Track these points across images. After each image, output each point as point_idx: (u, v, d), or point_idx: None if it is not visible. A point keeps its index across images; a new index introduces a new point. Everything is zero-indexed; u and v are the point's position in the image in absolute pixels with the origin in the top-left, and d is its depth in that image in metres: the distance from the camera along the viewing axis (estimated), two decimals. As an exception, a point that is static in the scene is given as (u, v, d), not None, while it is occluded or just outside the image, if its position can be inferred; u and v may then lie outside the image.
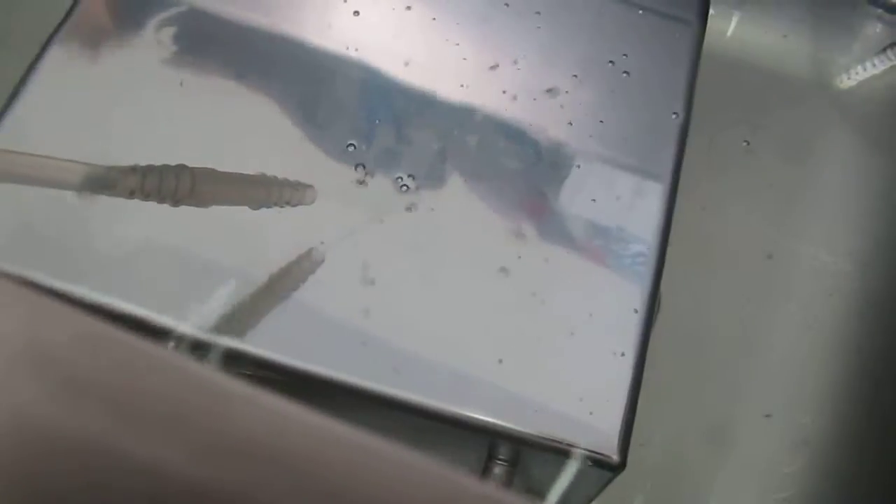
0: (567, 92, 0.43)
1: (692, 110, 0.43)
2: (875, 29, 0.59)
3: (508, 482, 0.38)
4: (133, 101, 0.41)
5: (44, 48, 0.41)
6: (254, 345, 0.36)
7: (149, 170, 0.31)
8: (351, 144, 0.40)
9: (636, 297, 0.38)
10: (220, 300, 0.36)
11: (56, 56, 0.41)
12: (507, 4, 0.45)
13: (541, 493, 0.40)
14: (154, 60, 0.41)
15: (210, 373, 0.17)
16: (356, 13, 0.44)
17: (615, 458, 0.35)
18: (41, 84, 0.40)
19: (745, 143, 0.57)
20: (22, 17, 0.57)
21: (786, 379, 0.51)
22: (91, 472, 0.16)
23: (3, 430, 0.15)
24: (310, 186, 0.38)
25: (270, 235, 0.38)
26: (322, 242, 0.38)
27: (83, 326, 0.17)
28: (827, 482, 0.49)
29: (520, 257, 0.39)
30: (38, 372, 0.16)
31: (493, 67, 0.43)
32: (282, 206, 0.37)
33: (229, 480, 0.16)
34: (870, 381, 0.51)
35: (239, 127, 0.41)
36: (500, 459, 0.38)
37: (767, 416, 0.50)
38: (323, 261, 0.38)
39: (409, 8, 0.45)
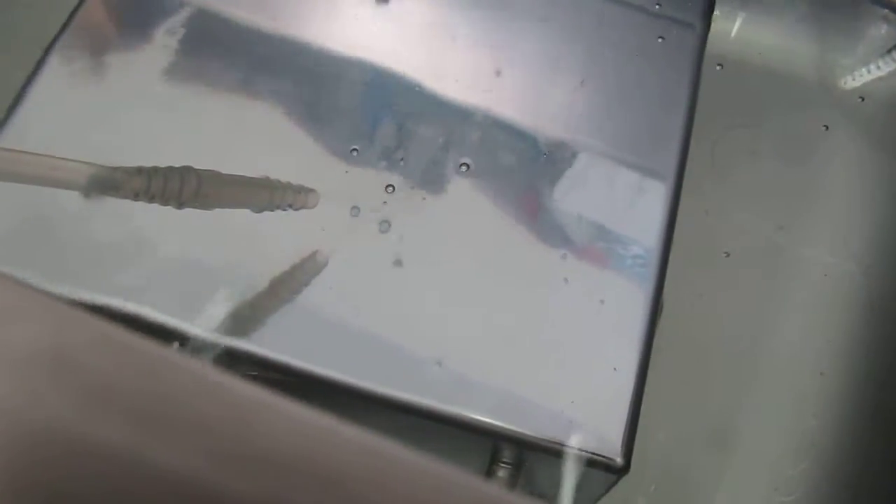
0: (571, 95, 0.43)
1: (696, 112, 0.43)
2: (880, 30, 0.59)
3: (512, 485, 0.38)
4: (137, 103, 0.41)
5: (48, 50, 0.41)
6: (258, 346, 0.36)
7: (154, 171, 0.31)
8: (354, 149, 0.40)
9: (639, 299, 0.38)
10: (225, 301, 0.36)
11: (60, 58, 0.41)
12: (511, 9, 0.45)
13: (545, 496, 0.40)
14: (157, 63, 0.42)
15: (231, 380, 0.18)
16: (359, 18, 0.44)
17: (619, 460, 0.35)
18: (46, 86, 0.40)
19: (748, 146, 0.57)
20: (24, 20, 0.57)
21: (790, 381, 0.51)
22: (114, 479, 0.16)
23: (31, 437, 0.16)
24: (312, 190, 0.38)
25: (275, 238, 0.38)
26: (325, 245, 0.38)
27: (108, 335, 0.17)
28: (831, 485, 0.49)
29: (523, 261, 0.39)
30: (64, 379, 0.16)
31: (498, 72, 0.43)
32: (284, 210, 0.37)
33: (250, 488, 0.16)
34: (874, 384, 0.51)
35: (243, 129, 0.41)
36: (503, 462, 0.38)
37: (771, 418, 0.50)
38: (327, 263, 0.38)
39: (413, 13, 0.45)
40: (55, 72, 0.41)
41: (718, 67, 0.55)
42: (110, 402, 0.16)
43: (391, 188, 0.40)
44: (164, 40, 0.42)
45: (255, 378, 0.35)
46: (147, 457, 0.16)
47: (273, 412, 0.17)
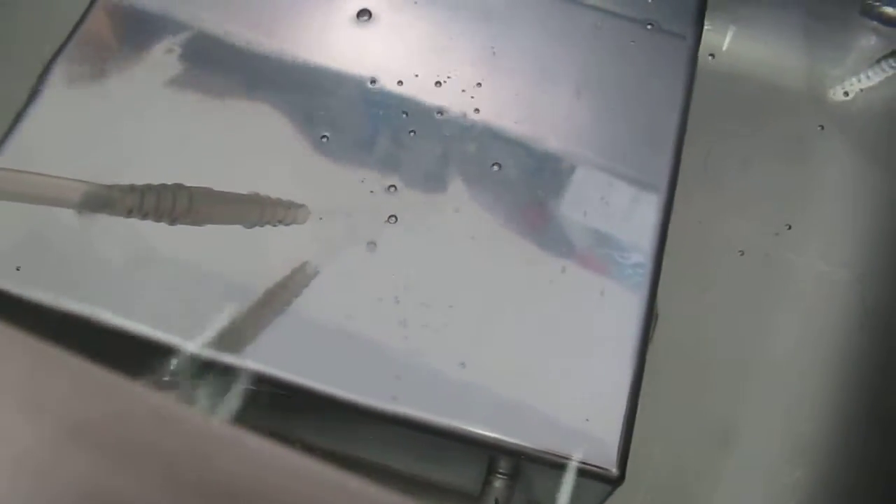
0: (565, 106, 0.43)
1: (687, 123, 0.44)
2: (869, 41, 0.59)
3: (509, 496, 0.38)
4: (133, 121, 0.41)
5: (47, 67, 0.42)
6: (252, 360, 0.36)
7: (147, 189, 0.31)
8: (347, 162, 0.41)
9: (633, 308, 0.38)
10: (216, 315, 0.36)
11: (59, 75, 0.42)
12: (505, 21, 0.45)
13: (540, 507, 0.40)
14: (154, 80, 0.42)
15: (201, 418, 0.18)
16: (353, 32, 0.44)
17: (614, 471, 0.35)
18: (44, 104, 0.41)
19: (740, 154, 0.57)
20: (24, 34, 0.57)
21: (785, 389, 0.51)
22: None
23: (4, 476, 0.16)
24: (303, 206, 0.39)
25: (265, 252, 0.38)
26: (316, 258, 0.38)
27: (83, 373, 0.18)
28: (827, 491, 0.49)
29: (518, 271, 0.39)
30: (38, 419, 0.16)
31: (493, 83, 0.44)
32: (275, 225, 0.37)
33: None
34: (869, 391, 0.51)
35: (235, 146, 0.41)
36: (500, 473, 0.38)
37: (766, 426, 0.50)
38: (316, 274, 0.38)
39: (407, 25, 0.45)
40: (55, 88, 0.41)
41: (710, 80, 0.55)
42: (86, 441, 0.16)
43: (385, 201, 0.40)
44: (163, 56, 0.43)
45: (248, 392, 0.35)
46: (122, 495, 0.16)
47: (236, 447, 0.18)
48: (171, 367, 0.35)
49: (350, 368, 0.36)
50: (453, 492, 0.44)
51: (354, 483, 0.17)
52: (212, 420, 0.18)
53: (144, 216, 0.31)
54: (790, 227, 0.55)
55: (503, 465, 0.38)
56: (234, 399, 0.36)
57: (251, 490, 0.17)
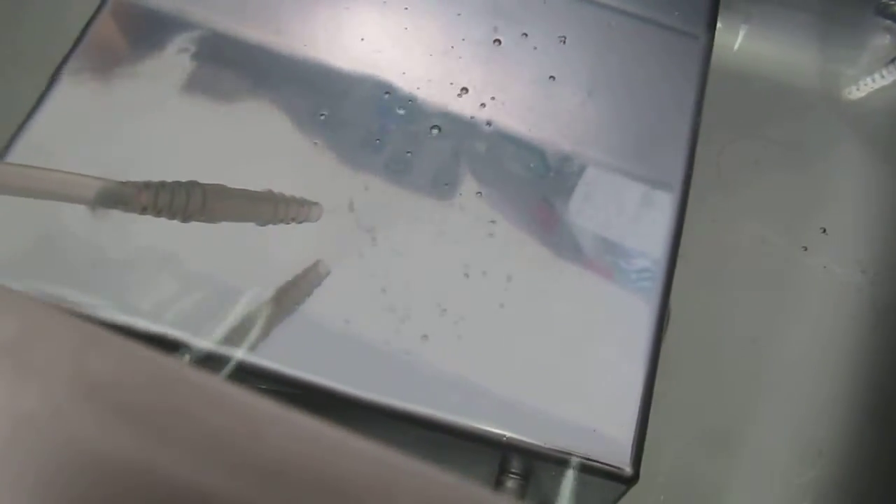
0: (577, 106, 0.43)
1: (701, 123, 0.43)
2: (883, 40, 0.59)
3: (521, 495, 0.38)
4: (144, 120, 0.41)
5: (59, 68, 0.42)
6: (264, 358, 0.36)
7: (161, 186, 0.31)
8: (360, 161, 0.41)
9: (646, 309, 0.38)
10: (228, 313, 0.36)
11: (70, 75, 0.42)
12: (517, 21, 0.45)
13: (553, 507, 0.40)
14: (165, 80, 0.42)
15: (244, 394, 0.18)
16: (364, 30, 0.44)
17: (628, 470, 0.35)
18: (56, 103, 0.41)
19: (753, 155, 0.57)
20: (33, 37, 0.57)
21: (797, 391, 0.51)
22: (132, 492, 0.16)
23: (55, 452, 0.16)
24: (316, 204, 0.38)
25: (278, 250, 0.38)
26: (329, 256, 0.38)
27: (127, 351, 0.18)
28: (840, 492, 0.48)
29: (530, 271, 0.39)
30: (87, 399, 0.17)
31: (505, 83, 0.43)
32: (288, 223, 0.37)
33: (264, 500, 0.16)
34: (881, 392, 0.51)
35: (248, 144, 0.41)
36: (512, 472, 0.38)
37: (779, 427, 0.50)
38: (329, 273, 0.38)
39: (419, 27, 0.45)
40: (66, 88, 0.41)
41: (723, 79, 0.55)
42: (129, 417, 0.17)
43: (398, 201, 0.40)
44: (172, 56, 0.43)
45: (260, 391, 0.35)
46: (170, 473, 0.16)
47: (285, 424, 0.18)
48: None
49: (362, 366, 0.36)
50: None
51: (402, 460, 0.17)
52: (263, 398, 0.18)
53: (158, 213, 0.31)
54: (803, 228, 0.55)
55: (515, 464, 0.38)
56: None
57: (304, 468, 0.17)
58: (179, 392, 0.17)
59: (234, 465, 0.17)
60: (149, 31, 0.43)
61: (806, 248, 0.54)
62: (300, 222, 0.38)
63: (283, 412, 0.18)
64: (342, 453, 0.18)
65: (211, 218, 0.33)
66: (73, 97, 0.41)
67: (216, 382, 0.18)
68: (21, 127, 0.40)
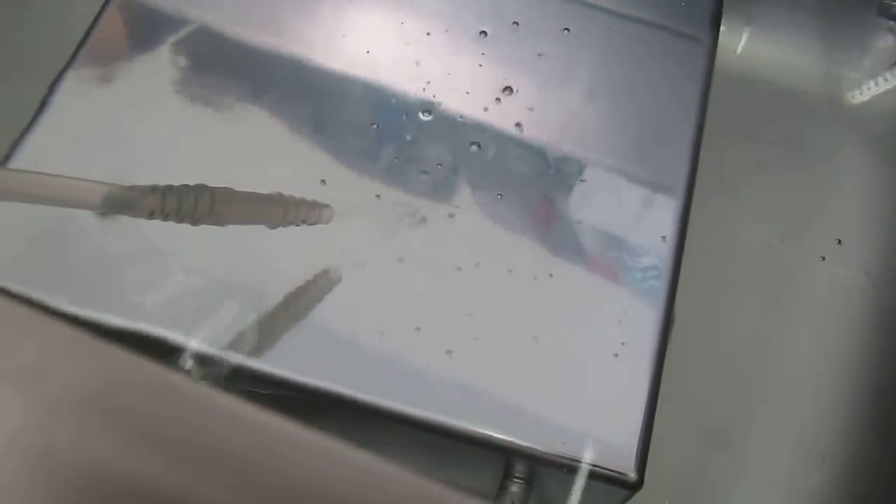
0: (581, 109, 0.43)
1: (704, 126, 0.43)
2: (886, 42, 0.59)
3: (525, 500, 0.38)
4: (151, 122, 0.41)
5: (62, 72, 0.42)
6: (270, 363, 0.36)
7: (168, 190, 0.31)
8: (366, 162, 0.41)
9: (652, 313, 0.38)
10: (238, 318, 0.36)
11: (74, 78, 0.42)
12: (519, 23, 0.45)
13: (558, 512, 0.40)
14: (171, 82, 0.42)
15: (272, 419, 0.18)
16: (367, 31, 0.44)
17: (632, 476, 0.35)
18: (60, 106, 0.41)
19: (756, 158, 0.57)
20: (36, 41, 0.57)
21: (801, 394, 0.51)
22: None
23: (79, 479, 0.16)
24: (327, 206, 0.38)
25: (289, 254, 0.38)
26: (339, 261, 0.38)
27: (149, 374, 0.18)
28: (846, 496, 0.48)
29: (535, 276, 0.39)
30: (109, 421, 0.16)
31: (508, 86, 0.43)
32: (298, 225, 0.37)
33: None
34: (885, 396, 0.51)
35: (257, 145, 0.41)
36: (516, 477, 0.38)
37: (783, 431, 0.49)
38: (340, 279, 0.38)
39: (422, 27, 0.45)
40: (70, 92, 0.41)
41: (726, 82, 0.55)
42: (153, 443, 0.17)
43: (404, 204, 0.40)
44: (177, 60, 0.42)
45: (265, 395, 0.35)
46: (189, 495, 0.16)
47: (308, 445, 0.18)
48: (187, 369, 0.35)
49: (368, 372, 0.36)
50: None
51: (416, 480, 0.17)
52: (286, 420, 0.18)
53: (166, 217, 0.31)
54: (806, 231, 0.55)
55: (519, 468, 0.38)
56: (249, 401, 0.36)
57: (326, 489, 0.17)
58: (200, 414, 0.17)
59: (256, 487, 0.17)
60: (152, 35, 0.43)
61: (809, 251, 0.54)
62: (311, 225, 0.38)
63: (306, 433, 0.18)
64: (341, 465, 0.18)
65: (219, 221, 0.33)
66: (77, 101, 0.41)
67: (242, 406, 0.18)
68: (25, 131, 0.40)
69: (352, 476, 0.17)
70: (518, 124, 0.42)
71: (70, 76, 0.42)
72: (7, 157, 0.39)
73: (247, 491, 0.16)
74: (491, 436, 0.36)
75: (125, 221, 0.32)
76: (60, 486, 0.16)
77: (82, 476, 0.16)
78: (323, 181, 0.40)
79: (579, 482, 0.35)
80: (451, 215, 0.40)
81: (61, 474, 0.16)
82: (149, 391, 0.17)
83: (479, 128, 0.42)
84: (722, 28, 0.47)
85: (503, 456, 0.37)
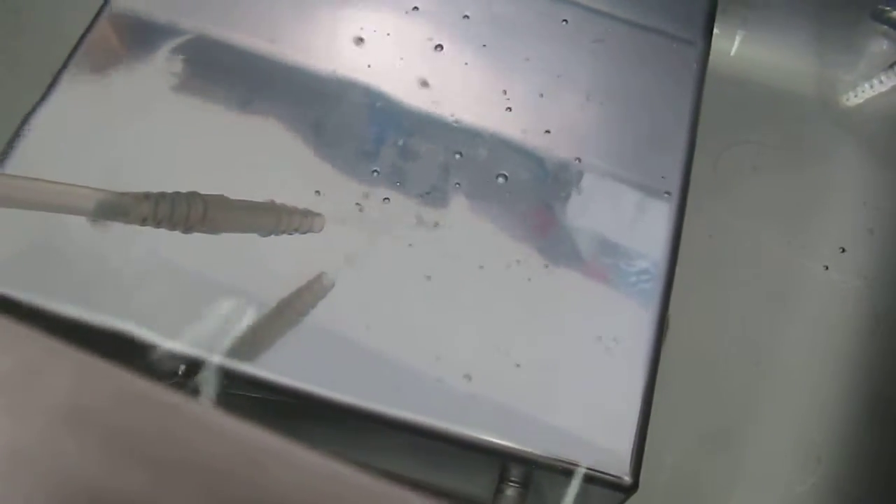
0: (575, 112, 0.43)
1: (698, 130, 0.43)
2: (881, 46, 0.59)
3: (521, 503, 0.38)
4: (144, 128, 0.41)
5: (56, 76, 0.42)
6: (264, 368, 0.36)
7: (161, 197, 0.31)
8: (361, 171, 0.41)
9: (645, 317, 0.38)
10: (230, 324, 0.36)
11: (67, 83, 0.42)
12: (514, 28, 0.45)
13: (553, 515, 0.40)
14: (164, 88, 0.42)
15: (242, 426, 0.18)
16: (362, 39, 0.44)
17: (627, 479, 0.35)
18: (53, 111, 0.41)
19: (751, 161, 0.57)
20: (29, 45, 0.57)
21: (797, 398, 0.51)
22: None
23: (54, 489, 0.16)
24: (319, 214, 0.38)
25: (281, 261, 0.38)
26: (332, 267, 0.38)
27: (126, 385, 0.17)
28: (841, 499, 0.48)
29: (529, 279, 0.39)
30: (83, 431, 0.16)
31: (503, 90, 0.43)
32: (290, 234, 0.37)
33: None
34: (881, 399, 0.51)
35: (249, 153, 0.41)
36: (511, 481, 0.38)
37: (778, 434, 0.50)
38: (333, 286, 0.38)
39: (415, 32, 0.45)
40: (63, 96, 0.41)
41: (720, 85, 0.55)
42: (128, 453, 0.16)
43: (398, 210, 0.40)
44: (170, 67, 0.42)
45: (259, 400, 0.35)
46: None
47: (285, 461, 0.18)
48: (180, 374, 0.35)
49: (361, 377, 0.36)
50: (465, 500, 0.44)
51: (401, 494, 0.17)
52: (261, 431, 0.18)
53: (158, 224, 0.31)
54: (801, 234, 0.55)
55: (515, 472, 0.38)
56: (243, 407, 0.36)
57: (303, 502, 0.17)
58: (177, 424, 0.17)
59: (232, 498, 0.16)
60: (146, 40, 0.43)
61: (804, 254, 0.54)
62: (303, 233, 0.38)
63: (285, 447, 0.18)
64: (341, 485, 0.18)
65: (212, 229, 0.33)
66: (71, 105, 0.41)
67: (214, 414, 0.18)
68: (16, 134, 0.40)
69: (330, 489, 0.17)
70: (512, 131, 0.42)
71: (64, 80, 0.42)
72: (0, 161, 0.39)
73: (213, 499, 0.16)
74: (486, 440, 0.36)
75: (118, 227, 0.32)
76: (32, 497, 0.16)
77: (55, 488, 0.16)
78: (317, 191, 0.40)
79: (574, 486, 0.35)
80: (445, 221, 0.40)
81: (34, 485, 0.16)
82: (124, 402, 0.17)
83: (474, 134, 0.42)
84: (716, 31, 0.47)
85: (499, 460, 0.37)
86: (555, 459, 0.35)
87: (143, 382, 0.18)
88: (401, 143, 0.42)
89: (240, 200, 0.35)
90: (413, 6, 0.46)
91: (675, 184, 0.42)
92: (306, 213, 0.38)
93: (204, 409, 0.18)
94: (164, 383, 0.33)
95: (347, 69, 0.43)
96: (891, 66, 0.58)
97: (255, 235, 0.36)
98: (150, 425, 0.17)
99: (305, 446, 0.17)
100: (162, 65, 0.43)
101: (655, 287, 0.39)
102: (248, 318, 0.37)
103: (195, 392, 0.35)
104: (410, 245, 0.39)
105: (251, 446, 0.17)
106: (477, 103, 0.43)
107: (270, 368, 0.36)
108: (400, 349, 0.37)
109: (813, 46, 0.60)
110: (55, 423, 0.17)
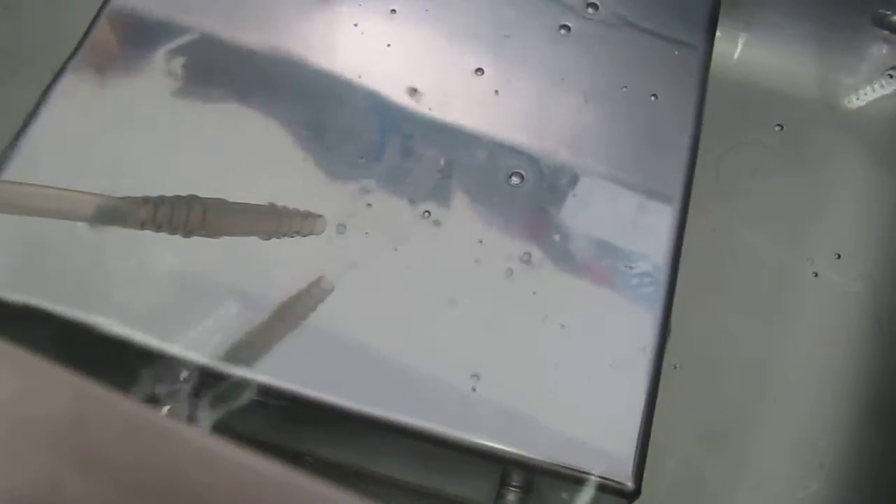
0: (577, 116, 0.43)
1: (700, 132, 0.43)
2: (881, 50, 0.59)
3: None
4: (144, 132, 0.41)
5: (55, 79, 0.41)
6: (264, 373, 0.36)
7: (160, 201, 0.31)
8: (359, 171, 0.40)
9: (647, 321, 0.38)
10: (231, 328, 0.36)
11: (67, 86, 0.41)
12: (514, 29, 0.45)
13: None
14: (164, 90, 0.42)
15: (235, 451, 0.17)
16: (363, 38, 0.44)
17: (630, 485, 0.35)
18: (52, 115, 0.41)
19: (753, 164, 0.57)
20: (30, 45, 0.57)
21: (800, 402, 0.50)
22: None
23: None
24: (320, 216, 0.38)
25: (281, 264, 0.38)
26: (333, 270, 0.38)
27: (127, 415, 0.17)
28: (843, 504, 0.48)
29: (531, 284, 0.39)
30: (79, 462, 0.16)
31: (502, 92, 0.43)
32: (292, 237, 0.37)
33: None
34: (883, 403, 0.51)
35: (249, 156, 0.41)
36: (512, 486, 0.38)
37: (781, 439, 0.49)
38: (332, 289, 0.38)
39: (416, 34, 0.45)
40: (61, 100, 0.41)
41: (722, 88, 0.55)
42: (122, 484, 0.16)
43: (399, 212, 0.40)
44: (171, 68, 0.42)
45: (260, 404, 0.35)
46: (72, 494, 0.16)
47: (286, 489, 0.17)
48: (181, 380, 0.35)
49: (363, 381, 0.36)
50: (465, 504, 0.44)
51: (336, 494, 0.17)
52: (255, 457, 0.17)
53: (158, 228, 0.31)
54: (803, 238, 0.55)
55: (516, 478, 0.38)
56: (243, 411, 0.36)
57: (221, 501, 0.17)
58: (182, 461, 0.17)
59: (147, 495, 0.16)
60: (147, 40, 0.43)
61: (806, 258, 0.54)
62: (304, 235, 0.38)
63: (294, 478, 0.17)
64: (273, 489, 0.17)
65: (212, 232, 0.33)
66: (71, 106, 0.41)
67: (227, 449, 0.17)
68: (17, 136, 0.40)
69: None
70: (513, 132, 0.42)
71: (64, 80, 0.42)
72: (-1, 163, 0.39)
73: None
74: (488, 445, 0.35)
75: (117, 231, 0.31)
76: None
77: None
78: (317, 193, 0.40)
79: (576, 491, 0.35)
80: (445, 223, 0.40)
81: None
82: (121, 431, 0.17)
83: (475, 136, 0.42)
84: (719, 34, 0.47)
85: (500, 465, 0.36)
86: (556, 465, 0.35)
87: (141, 410, 0.17)
88: (400, 144, 0.41)
89: (240, 203, 0.34)
90: (413, 6, 0.45)
91: (677, 187, 0.42)
92: (307, 216, 0.38)
93: (201, 437, 0.17)
94: (165, 388, 0.33)
95: (347, 71, 0.43)
96: (891, 70, 0.58)
97: (255, 238, 0.36)
98: (147, 456, 0.17)
99: (307, 475, 0.17)
100: (162, 65, 0.42)
101: (657, 290, 0.39)
102: (248, 322, 0.36)
103: (196, 397, 0.35)
104: (411, 249, 0.39)
105: (250, 478, 0.17)
106: (478, 105, 0.43)
107: (271, 372, 0.36)
108: (400, 353, 0.37)
109: (815, 50, 0.60)
110: (49, 450, 0.16)
